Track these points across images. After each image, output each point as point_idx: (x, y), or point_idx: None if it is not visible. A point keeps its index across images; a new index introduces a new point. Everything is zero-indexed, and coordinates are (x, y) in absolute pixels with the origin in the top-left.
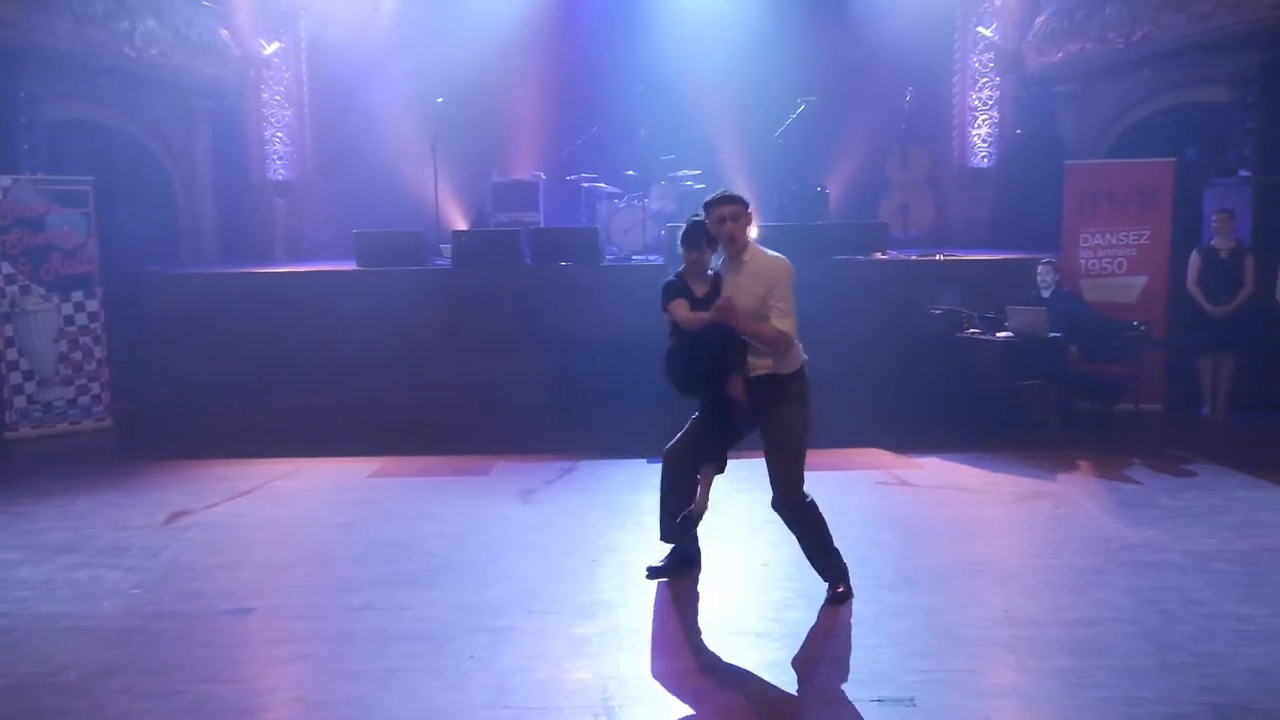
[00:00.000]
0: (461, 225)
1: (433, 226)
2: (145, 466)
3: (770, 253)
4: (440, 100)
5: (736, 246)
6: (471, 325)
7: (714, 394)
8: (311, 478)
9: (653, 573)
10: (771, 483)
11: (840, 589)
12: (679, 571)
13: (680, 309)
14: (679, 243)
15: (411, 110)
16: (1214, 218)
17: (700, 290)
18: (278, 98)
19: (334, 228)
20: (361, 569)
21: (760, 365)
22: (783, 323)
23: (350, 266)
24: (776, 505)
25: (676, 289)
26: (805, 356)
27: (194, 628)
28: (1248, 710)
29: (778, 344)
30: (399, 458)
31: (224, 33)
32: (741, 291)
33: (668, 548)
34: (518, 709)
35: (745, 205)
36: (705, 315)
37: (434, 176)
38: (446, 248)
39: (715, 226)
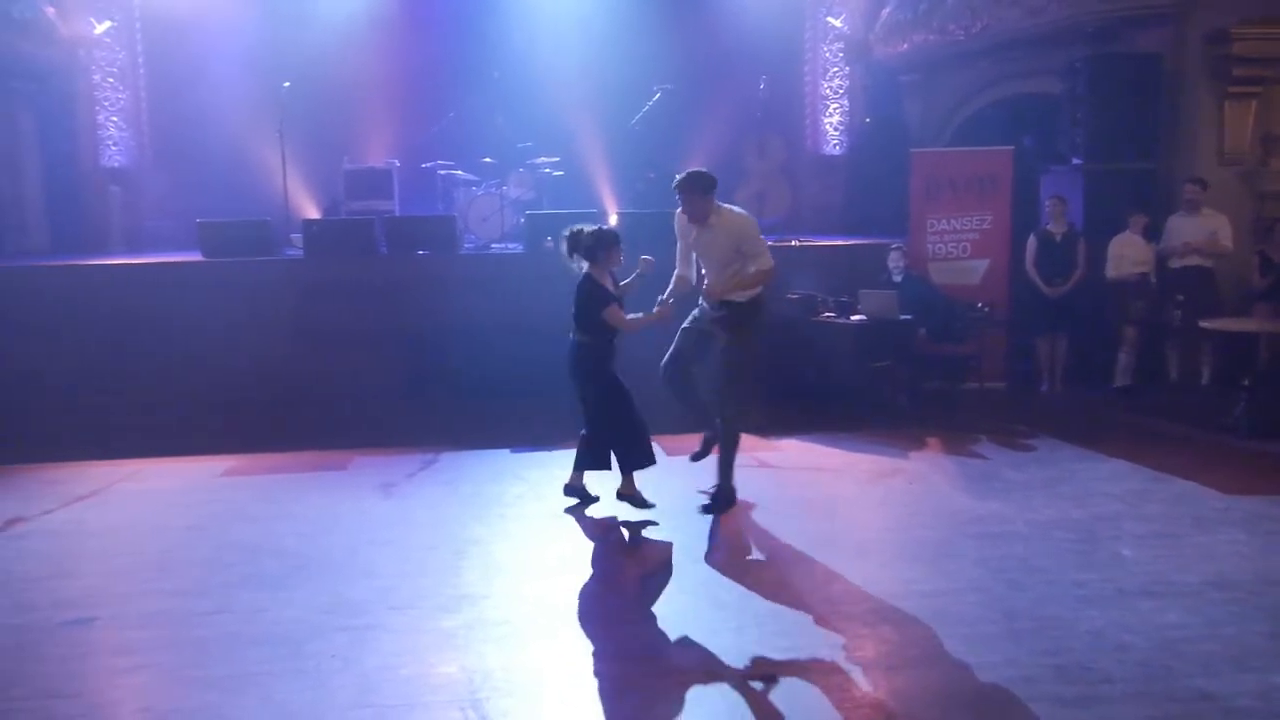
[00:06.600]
0: (313, 214)
1: (282, 215)
2: None
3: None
4: (287, 84)
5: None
6: (326, 317)
7: None
8: (157, 479)
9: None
10: None
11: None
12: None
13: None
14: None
15: (257, 94)
16: (1048, 203)
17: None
18: (111, 80)
19: (176, 217)
20: (212, 572)
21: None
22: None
23: (195, 258)
24: None
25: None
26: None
27: (30, 641)
28: (1086, 669)
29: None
30: (253, 455)
31: (50, 10)
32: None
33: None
34: (381, 707)
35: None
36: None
37: (282, 163)
38: (298, 237)
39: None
